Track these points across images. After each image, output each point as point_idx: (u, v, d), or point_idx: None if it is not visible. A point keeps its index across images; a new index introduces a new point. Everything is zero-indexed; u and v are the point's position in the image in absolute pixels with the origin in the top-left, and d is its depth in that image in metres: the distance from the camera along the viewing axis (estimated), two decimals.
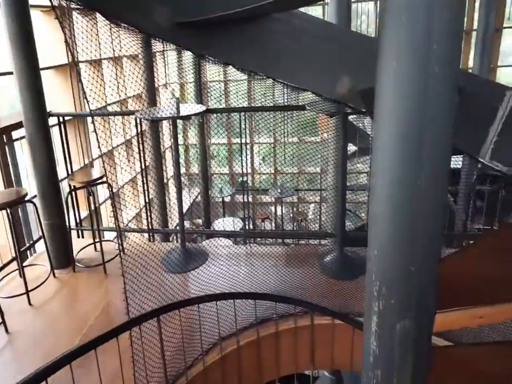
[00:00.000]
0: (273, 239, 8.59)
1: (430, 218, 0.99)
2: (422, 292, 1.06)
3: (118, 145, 6.58)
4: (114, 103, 6.53)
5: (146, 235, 3.86)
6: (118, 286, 3.25)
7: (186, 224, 7.50)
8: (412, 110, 0.89)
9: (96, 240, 3.62)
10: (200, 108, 3.50)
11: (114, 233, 4.67)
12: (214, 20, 1.75)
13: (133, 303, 2.33)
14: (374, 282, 1.06)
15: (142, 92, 5.48)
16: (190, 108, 3.43)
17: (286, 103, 3.64)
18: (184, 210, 7.25)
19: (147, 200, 3.85)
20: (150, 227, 3.68)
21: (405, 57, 0.87)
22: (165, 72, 7.50)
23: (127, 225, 4.90)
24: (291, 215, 9.05)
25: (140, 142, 3.72)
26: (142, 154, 3.77)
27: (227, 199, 7.73)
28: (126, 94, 6.81)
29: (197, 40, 1.86)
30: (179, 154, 3.60)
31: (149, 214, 3.75)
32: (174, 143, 3.50)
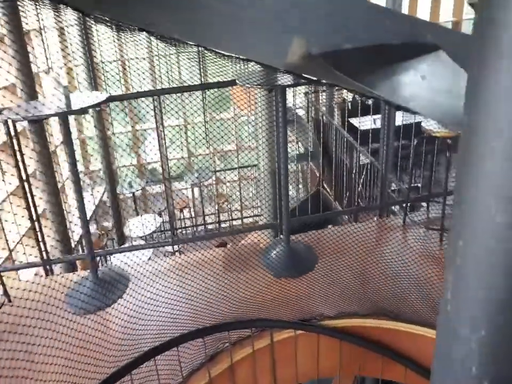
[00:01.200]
0: (194, 228, 7.99)
1: None
2: None
3: None
4: None
5: (38, 269, 2.96)
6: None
7: (92, 229, 6.50)
8: None
9: None
10: (98, 97, 2.69)
11: None
12: None
13: None
14: (476, 379, 0.63)
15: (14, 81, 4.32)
16: (84, 97, 2.60)
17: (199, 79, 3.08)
18: (89, 215, 6.24)
19: (36, 220, 2.95)
20: (44, 257, 2.81)
21: None
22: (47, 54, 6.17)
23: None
24: (210, 198, 8.47)
25: (17, 146, 2.78)
26: (21, 161, 2.84)
27: (138, 193, 6.86)
28: None
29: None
30: (75, 159, 2.77)
31: (40, 238, 2.87)
32: (68, 147, 2.70)
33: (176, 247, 5.63)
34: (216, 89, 3.81)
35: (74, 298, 2.52)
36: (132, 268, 3.00)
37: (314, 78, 2.26)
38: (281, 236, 3.55)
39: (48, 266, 2.87)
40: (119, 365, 2.05)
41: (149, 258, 4.72)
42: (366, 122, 6.69)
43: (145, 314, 2.52)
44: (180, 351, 2.05)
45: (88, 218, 6.19)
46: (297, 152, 7.34)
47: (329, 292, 2.90)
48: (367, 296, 2.93)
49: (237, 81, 2.92)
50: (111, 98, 3.22)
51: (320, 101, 6.86)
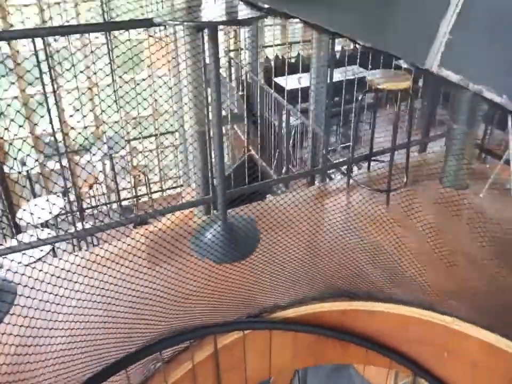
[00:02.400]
0: (108, 206, 7.07)
1: None
2: None
3: None
4: None
5: None
6: None
7: None
8: None
9: None
10: None
11: None
12: None
13: None
14: None
15: None
16: None
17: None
18: None
19: None
20: None
21: None
22: None
23: None
24: (125, 170, 7.54)
25: None
26: None
27: (36, 170, 5.76)
28: None
29: None
30: None
31: None
32: None
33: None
34: (123, 47, 3.00)
35: None
36: (20, 273, 2.23)
37: (267, 6, 1.67)
38: (215, 212, 3.00)
39: None
40: None
41: (52, 249, 3.90)
42: (291, 82, 6.24)
43: (42, 337, 1.86)
44: None
45: None
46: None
47: (277, 276, 2.44)
48: (319, 274, 2.54)
49: (154, 19, 2.25)
50: None
51: (242, 60, 6.23)
